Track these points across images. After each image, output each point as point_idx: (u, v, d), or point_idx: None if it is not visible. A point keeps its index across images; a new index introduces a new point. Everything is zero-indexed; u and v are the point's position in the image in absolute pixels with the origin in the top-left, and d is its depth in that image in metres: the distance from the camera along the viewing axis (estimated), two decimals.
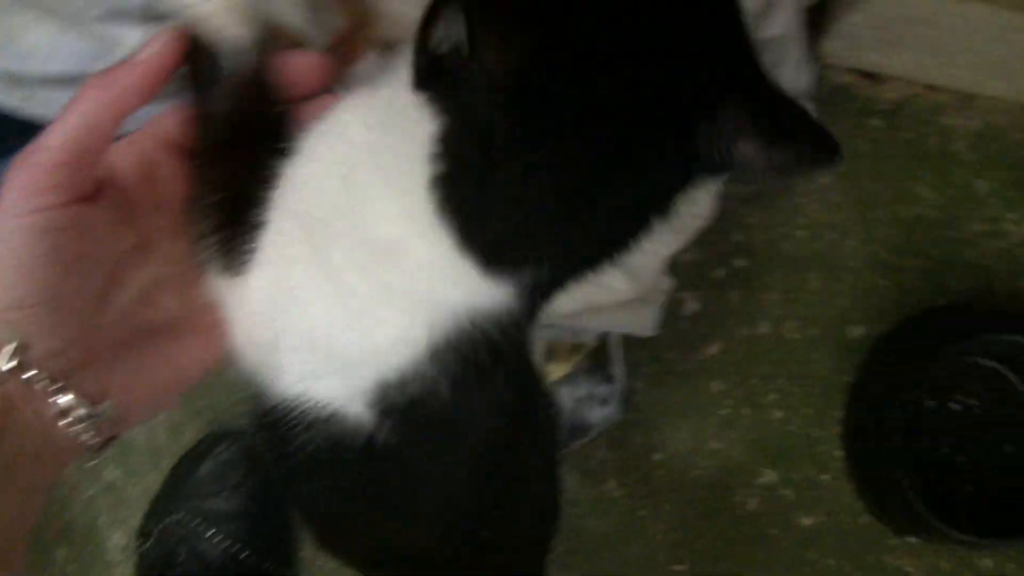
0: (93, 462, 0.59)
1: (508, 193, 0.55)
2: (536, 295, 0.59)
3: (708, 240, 1.37)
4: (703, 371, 1.39)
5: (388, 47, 1.06)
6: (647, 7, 0.54)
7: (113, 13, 0.90)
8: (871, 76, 1.41)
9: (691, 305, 1.39)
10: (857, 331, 1.40)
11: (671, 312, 1.37)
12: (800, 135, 0.54)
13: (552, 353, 1.30)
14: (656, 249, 1.14)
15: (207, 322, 0.63)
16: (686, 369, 1.39)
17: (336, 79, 1.02)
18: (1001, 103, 1.41)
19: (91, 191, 0.58)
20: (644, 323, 1.29)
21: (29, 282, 0.54)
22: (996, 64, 1.34)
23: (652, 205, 0.58)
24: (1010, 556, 1.39)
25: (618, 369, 1.34)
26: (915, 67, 1.38)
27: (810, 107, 1.29)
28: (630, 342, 1.35)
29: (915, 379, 1.33)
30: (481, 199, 0.55)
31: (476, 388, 0.61)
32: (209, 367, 0.64)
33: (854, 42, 1.34)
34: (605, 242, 0.59)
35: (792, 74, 1.25)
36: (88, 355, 0.57)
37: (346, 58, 1.05)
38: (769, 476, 1.41)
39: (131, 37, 0.89)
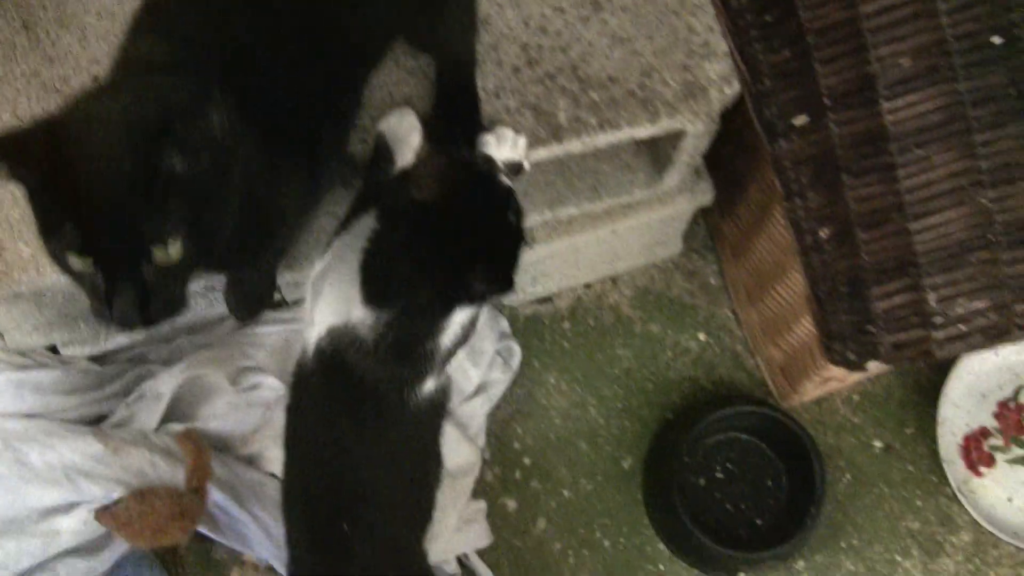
0: None
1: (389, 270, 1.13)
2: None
3: (497, 459, 1.89)
4: (542, 541, 1.88)
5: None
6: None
7: None
8: (546, 299, 1.98)
9: (511, 504, 1.88)
10: (628, 463, 1.92)
11: (501, 516, 1.87)
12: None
13: None
14: (454, 500, 1.67)
15: None
16: (530, 546, 1.87)
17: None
18: (636, 272, 2.00)
19: None
20: (480, 537, 1.79)
21: None
22: (613, 254, 1.92)
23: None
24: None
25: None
26: (567, 280, 1.96)
27: (515, 343, 1.84)
28: (486, 553, 1.83)
29: (680, 472, 1.85)
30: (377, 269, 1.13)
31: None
32: None
33: (518, 285, 1.91)
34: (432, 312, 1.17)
35: (493, 324, 1.81)
36: None
37: (202, 486, 1.56)
38: None
39: None
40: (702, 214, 2.01)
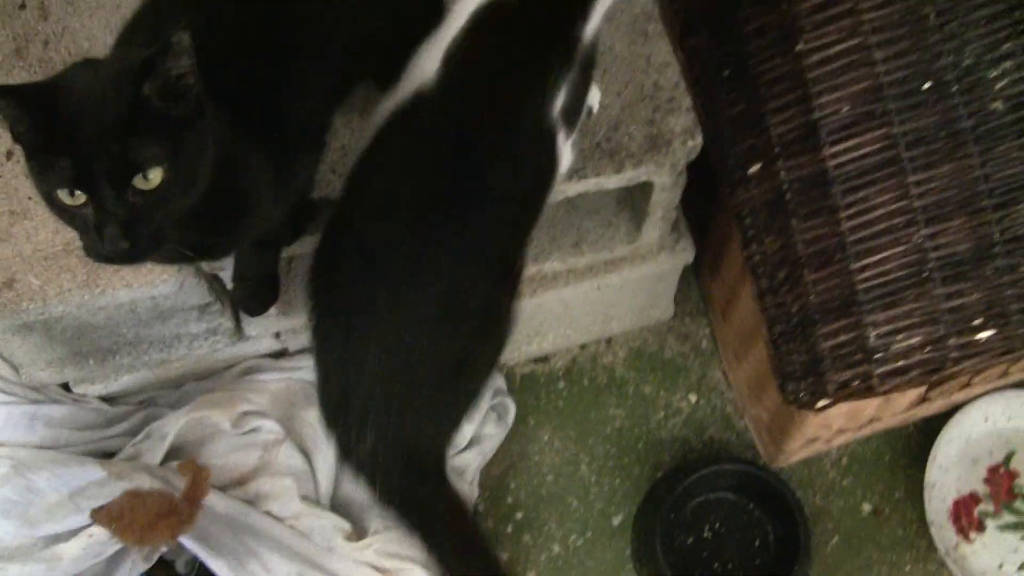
0: None
1: None
2: None
3: (490, 512, 1.95)
4: None
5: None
6: None
7: None
8: (542, 359, 2.06)
9: (502, 557, 1.94)
10: (618, 519, 1.97)
11: None
12: None
13: None
14: None
15: None
16: None
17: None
18: (631, 334, 2.08)
19: None
20: None
21: None
22: (606, 314, 2.00)
23: None
24: None
25: None
26: (562, 339, 2.04)
27: (510, 400, 1.91)
28: None
29: (667, 529, 1.89)
30: None
31: None
32: None
33: (514, 343, 1.99)
34: None
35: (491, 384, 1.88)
36: None
37: (195, 499, 1.64)
38: None
39: None
40: (695, 278, 2.09)
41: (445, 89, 1.22)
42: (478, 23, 1.23)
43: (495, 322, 1.31)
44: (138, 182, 1.01)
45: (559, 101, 1.25)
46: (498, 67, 1.25)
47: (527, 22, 1.24)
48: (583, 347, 2.08)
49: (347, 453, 1.28)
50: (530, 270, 1.75)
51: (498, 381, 1.98)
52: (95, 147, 0.98)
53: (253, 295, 1.56)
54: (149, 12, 1.22)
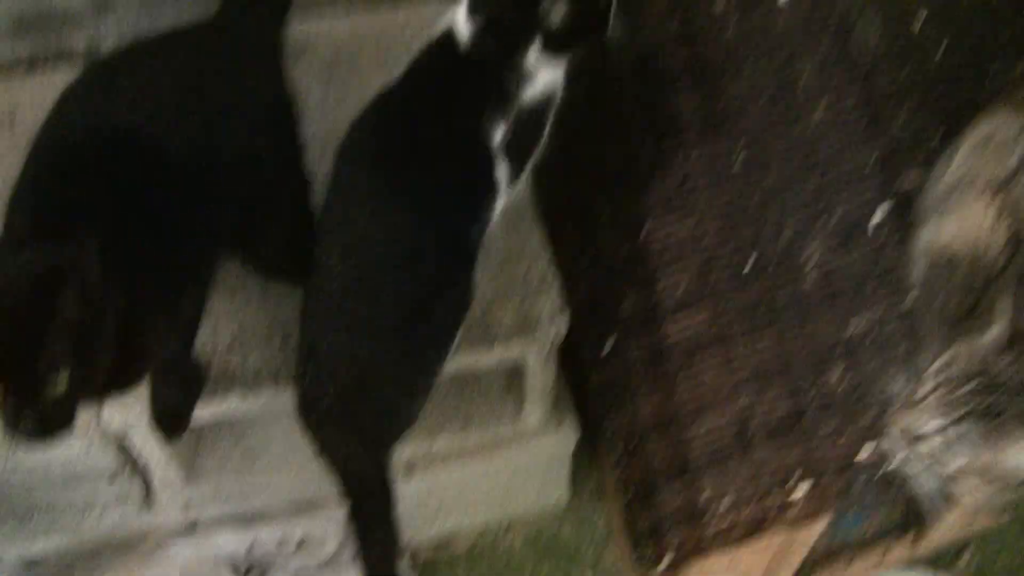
0: None
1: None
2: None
3: None
4: None
5: None
6: None
7: None
8: (443, 544, 2.17)
9: None
10: None
11: None
12: None
13: None
14: None
15: None
16: None
17: None
18: (530, 517, 2.20)
19: None
20: None
21: None
22: (503, 497, 2.12)
23: None
24: None
25: None
26: (462, 522, 2.15)
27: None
28: None
29: None
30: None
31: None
32: None
33: (414, 525, 2.10)
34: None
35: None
36: None
37: None
38: None
39: None
40: (593, 461, 2.20)
41: (403, 89, 1.44)
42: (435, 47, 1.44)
43: (445, 299, 1.52)
44: (48, 386, 1.14)
45: (498, 135, 1.44)
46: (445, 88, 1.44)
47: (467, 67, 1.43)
48: (482, 531, 2.19)
49: (304, 413, 1.52)
50: (421, 447, 1.88)
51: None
52: (6, 358, 1.12)
53: (168, 422, 1.66)
54: (32, 177, 1.34)
